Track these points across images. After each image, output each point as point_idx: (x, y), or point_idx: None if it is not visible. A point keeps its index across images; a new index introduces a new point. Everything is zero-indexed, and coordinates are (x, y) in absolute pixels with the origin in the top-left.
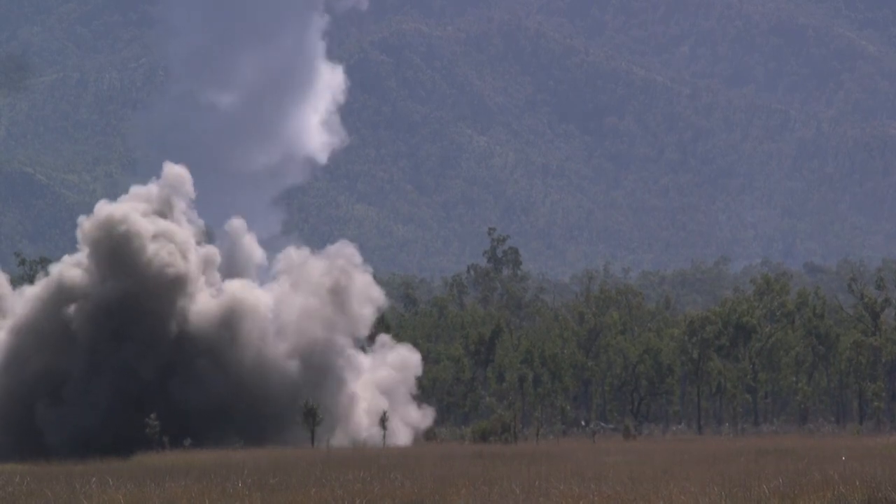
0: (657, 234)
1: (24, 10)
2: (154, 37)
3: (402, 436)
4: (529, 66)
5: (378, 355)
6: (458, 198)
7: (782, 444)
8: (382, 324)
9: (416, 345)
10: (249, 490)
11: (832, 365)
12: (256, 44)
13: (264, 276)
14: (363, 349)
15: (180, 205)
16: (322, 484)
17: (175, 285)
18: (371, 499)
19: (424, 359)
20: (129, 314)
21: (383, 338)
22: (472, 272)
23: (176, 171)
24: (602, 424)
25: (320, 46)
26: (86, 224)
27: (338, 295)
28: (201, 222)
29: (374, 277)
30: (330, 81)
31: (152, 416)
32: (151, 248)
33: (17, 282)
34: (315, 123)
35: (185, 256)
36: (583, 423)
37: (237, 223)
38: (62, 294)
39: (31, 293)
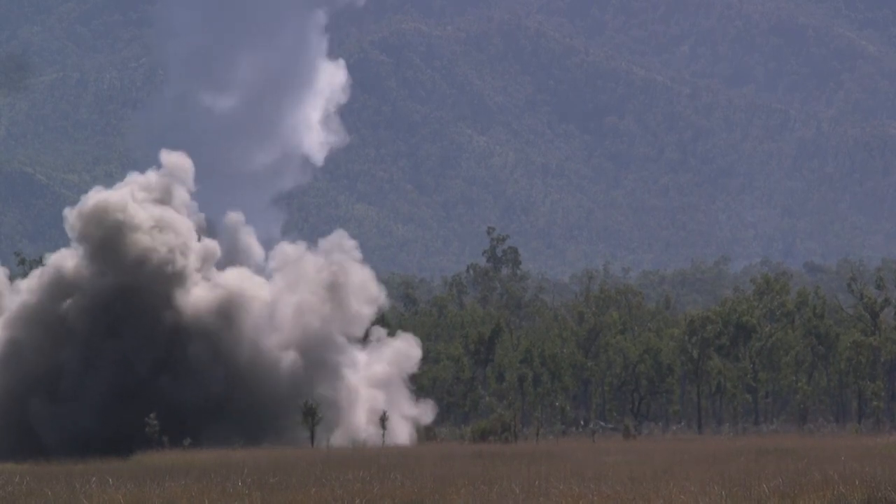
0: (657, 233)
1: (23, 9)
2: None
3: (401, 432)
4: (529, 66)
5: (375, 350)
6: (458, 197)
7: (782, 444)
8: (383, 323)
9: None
10: (249, 490)
11: (832, 364)
12: (256, 43)
13: (261, 273)
14: (361, 344)
15: (181, 194)
16: (322, 483)
17: (172, 278)
18: (371, 498)
19: (424, 358)
20: (125, 308)
21: (379, 331)
22: (471, 272)
23: (176, 159)
24: (602, 424)
25: (321, 45)
26: (79, 212)
27: (334, 290)
28: (202, 215)
29: (374, 277)
30: (331, 80)
31: (152, 415)
32: (148, 239)
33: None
34: (315, 123)
35: (183, 249)
36: (582, 422)
37: (235, 217)
38: (56, 287)
39: (26, 286)
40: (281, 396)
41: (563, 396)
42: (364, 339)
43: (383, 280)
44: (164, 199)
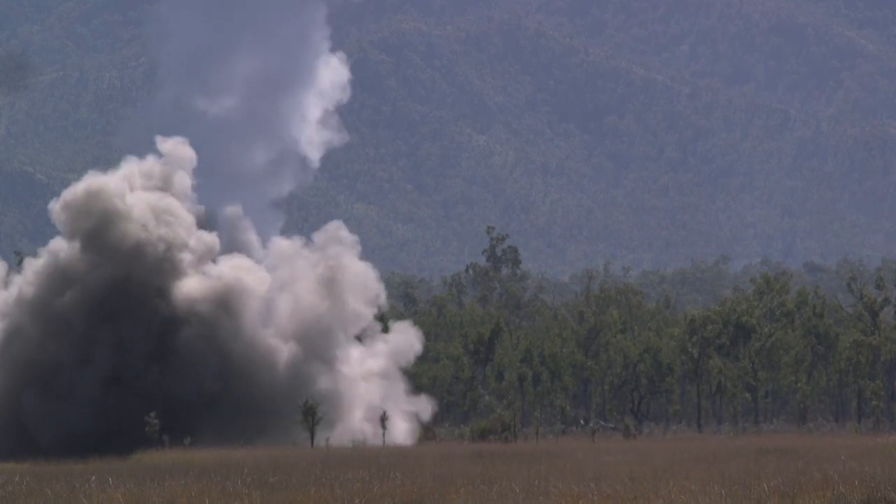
0: (657, 233)
1: (23, 8)
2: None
3: (399, 428)
4: (529, 66)
5: (373, 344)
6: (458, 197)
7: (782, 444)
8: (382, 322)
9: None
10: (249, 489)
11: (831, 364)
12: (255, 42)
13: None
14: (360, 339)
15: (181, 182)
16: (322, 483)
17: (169, 268)
18: (371, 498)
19: (424, 357)
20: (120, 299)
21: (375, 326)
22: (471, 271)
23: (175, 147)
24: (602, 423)
25: (321, 43)
26: (71, 200)
27: (331, 284)
28: (201, 207)
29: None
30: (332, 77)
31: (152, 414)
32: (144, 229)
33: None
34: (314, 121)
35: (180, 239)
36: (582, 422)
37: (235, 210)
38: (50, 279)
39: (23, 277)
40: (277, 389)
41: (563, 396)
42: (363, 334)
43: (383, 280)
44: (164, 186)
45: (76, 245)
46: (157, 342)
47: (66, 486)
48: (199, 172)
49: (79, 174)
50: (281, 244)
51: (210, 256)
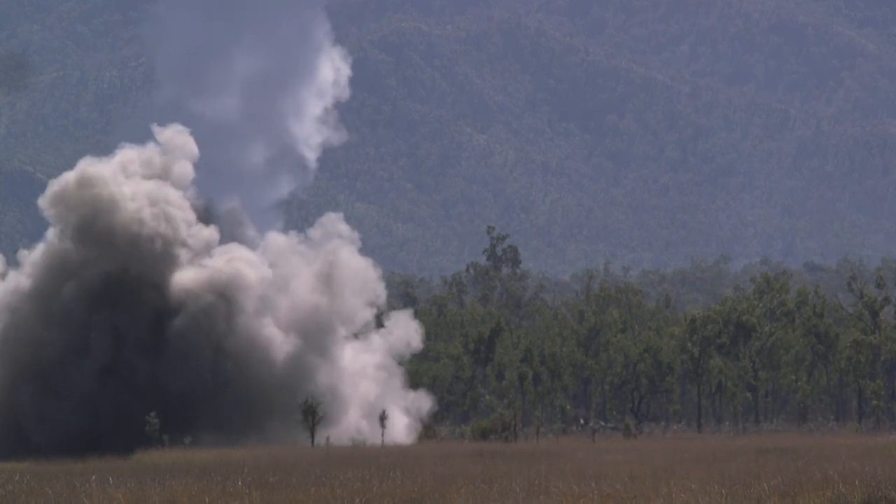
0: (657, 232)
1: (24, 8)
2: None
3: (398, 424)
4: (529, 65)
5: (372, 338)
6: (458, 196)
7: (782, 443)
8: (380, 318)
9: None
10: (249, 489)
11: (832, 364)
12: (254, 40)
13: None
14: (356, 336)
15: (181, 170)
16: (322, 483)
17: (166, 260)
18: (371, 497)
19: (424, 357)
20: (115, 291)
21: (373, 321)
22: (471, 271)
23: (175, 135)
24: (602, 423)
25: (322, 39)
26: (64, 189)
27: (329, 279)
28: (201, 199)
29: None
30: (332, 73)
31: (152, 414)
32: (141, 220)
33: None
34: (315, 120)
35: (178, 230)
36: (582, 421)
37: (233, 203)
38: (46, 271)
39: (18, 271)
40: (275, 383)
41: (564, 395)
42: (361, 329)
43: (383, 279)
44: (163, 175)
45: (71, 236)
46: (152, 335)
47: (66, 485)
48: (199, 170)
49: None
50: (278, 240)
51: (208, 248)
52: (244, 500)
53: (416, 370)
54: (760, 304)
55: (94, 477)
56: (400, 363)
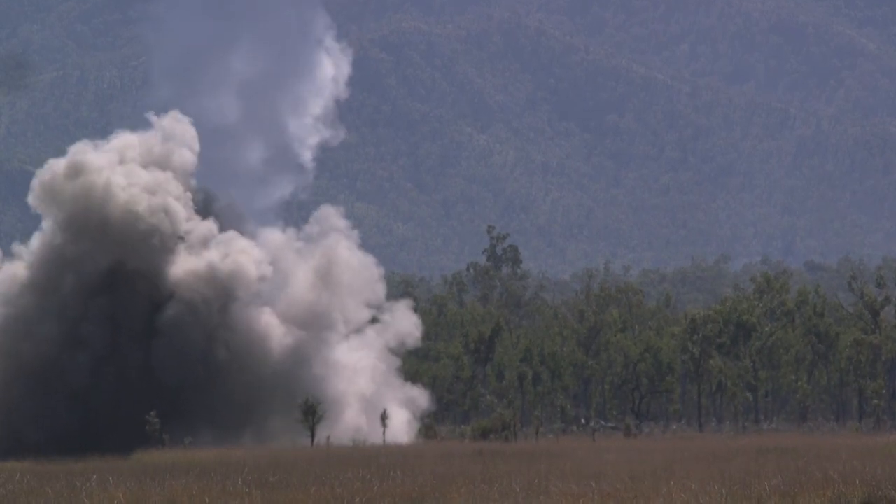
0: (657, 231)
1: (24, 8)
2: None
3: (397, 419)
4: (529, 64)
5: (371, 331)
6: (458, 196)
7: (782, 443)
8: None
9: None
10: (250, 488)
11: (832, 363)
12: (253, 39)
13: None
14: (354, 330)
15: (182, 158)
16: (322, 482)
17: (164, 253)
18: (371, 497)
19: (425, 356)
20: (111, 284)
21: (372, 314)
22: (471, 270)
23: (175, 122)
24: (602, 423)
25: (322, 34)
26: (53, 177)
27: (326, 274)
28: (200, 192)
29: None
30: (332, 69)
31: (152, 413)
32: (136, 211)
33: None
34: (314, 119)
35: (175, 220)
36: (583, 421)
37: (231, 197)
38: (40, 265)
39: (23, 261)
40: (271, 376)
41: (564, 395)
42: (359, 322)
43: (383, 279)
44: (162, 162)
45: (64, 229)
46: (146, 326)
47: (66, 485)
48: (198, 173)
49: None
50: (275, 236)
51: (206, 240)
52: (244, 500)
53: (416, 370)
54: (761, 304)
55: (94, 477)
56: (399, 355)
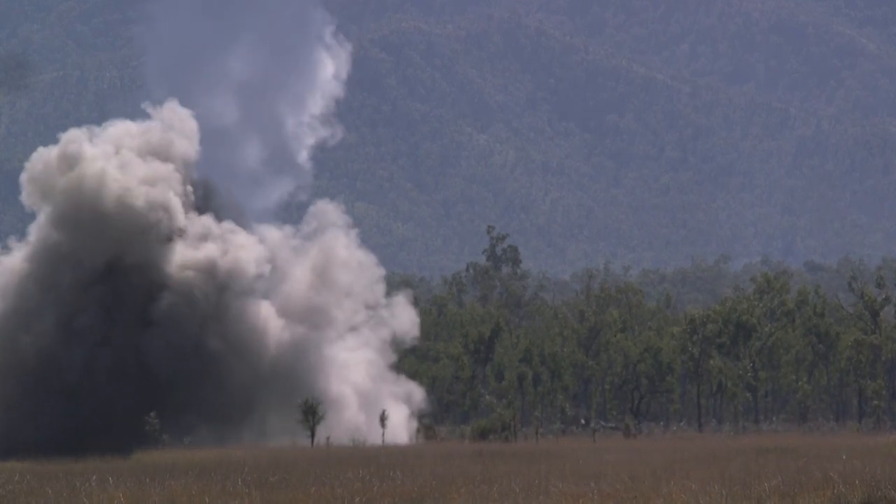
0: (657, 232)
1: (24, 7)
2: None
3: (396, 416)
4: (529, 64)
5: (367, 328)
6: (458, 196)
7: (782, 443)
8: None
9: (415, 344)
10: (249, 488)
11: (832, 363)
12: (252, 39)
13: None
14: (352, 325)
15: (182, 149)
16: (322, 482)
17: (161, 246)
18: (371, 497)
19: (424, 357)
20: (108, 277)
21: (370, 308)
22: (471, 270)
23: (174, 112)
24: (602, 423)
25: (321, 32)
26: (45, 167)
27: (324, 269)
28: (199, 182)
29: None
30: (331, 69)
31: (152, 414)
32: (130, 207)
33: None
34: (314, 120)
35: (172, 212)
36: (583, 421)
37: (230, 192)
38: (36, 258)
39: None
40: (267, 371)
41: (564, 395)
42: (357, 317)
43: (383, 279)
44: (161, 153)
45: (58, 224)
46: (142, 320)
47: (66, 485)
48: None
49: None
50: (272, 234)
51: (204, 233)
52: (244, 500)
53: (416, 370)
54: (761, 304)
55: (94, 477)
56: (398, 350)
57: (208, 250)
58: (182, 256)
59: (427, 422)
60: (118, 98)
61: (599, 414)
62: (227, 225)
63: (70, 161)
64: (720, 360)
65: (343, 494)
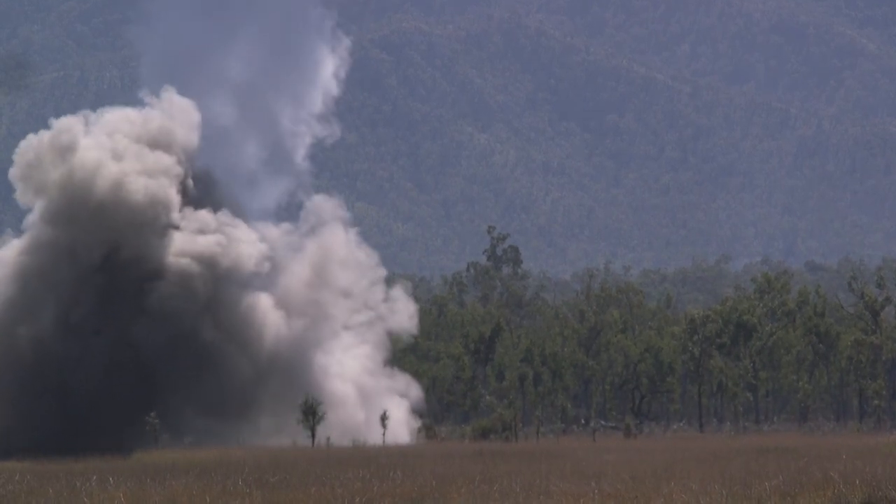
0: (658, 232)
1: (24, 8)
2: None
3: (395, 414)
4: (530, 64)
5: (365, 325)
6: (458, 196)
7: (783, 443)
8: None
9: (416, 344)
10: (250, 488)
11: (833, 363)
12: (251, 38)
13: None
14: (350, 321)
15: (183, 138)
16: (322, 482)
17: (158, 239)
18: (371, 497)
19: (424, 357)
20: (104, 269)
21: (367, 305)
22: (472, 270)
23: (174, 101)
24: (602, 423)
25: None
26: (37, 156)
27: (322, 266)
28: (199, 174)
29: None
30: (331, 67)
31: (152, 414)
32: (131, 200)
33: None
34: (313, 119)
35: (171, 208)
36: (583, 421)
37: (230, 185)
38: (30, 254)
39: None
40: (264, 367)
41: (564, 395)
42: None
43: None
44: (161, 142)
45: (53, 218)
46: (138, 311)
47: (66, 485)
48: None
49: None
50: (271, 230)
51: (203, 226)
52: (244, 500)
53: (417, 370)
54: (761, 304)
55: (94, 477)
56: (397, 343)
57: (207, 242)
58: (180, 248)
59: (427, 422)
60: (118, 98)
61: (600, 414)
62: (226, 218)
63: (63, 152)
64: (721, 360)
65: (343, 494)
